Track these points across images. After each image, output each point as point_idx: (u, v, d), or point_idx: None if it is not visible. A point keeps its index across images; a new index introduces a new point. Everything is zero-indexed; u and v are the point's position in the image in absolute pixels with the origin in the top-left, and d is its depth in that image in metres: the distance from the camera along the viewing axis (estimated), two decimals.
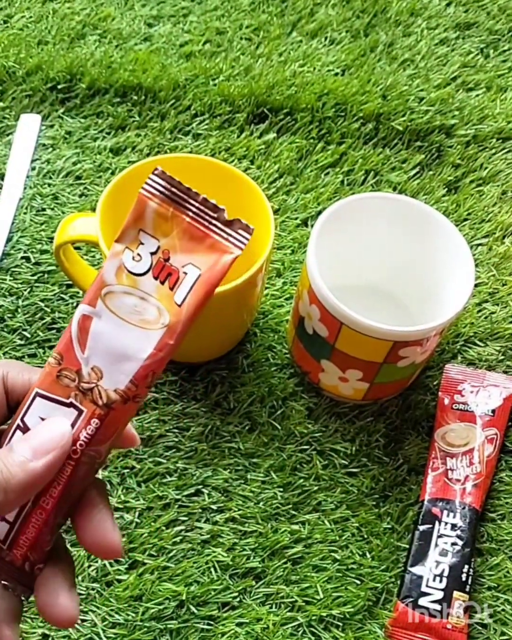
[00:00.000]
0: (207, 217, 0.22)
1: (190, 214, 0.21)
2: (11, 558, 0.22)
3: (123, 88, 0.56)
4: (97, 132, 0.54)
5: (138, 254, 0.21)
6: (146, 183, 0.22)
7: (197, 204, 0.22)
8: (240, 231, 0.22)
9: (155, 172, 0.22)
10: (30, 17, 0.60)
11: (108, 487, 0.40)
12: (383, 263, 0.45)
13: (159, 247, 0.21)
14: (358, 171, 0.54)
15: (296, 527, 0.40)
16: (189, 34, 0.60)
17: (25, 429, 0.22)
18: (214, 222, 0.22)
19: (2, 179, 0.51)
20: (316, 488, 0.41)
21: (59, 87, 0.55)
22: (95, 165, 0.52)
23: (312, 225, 0.50)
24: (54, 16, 0.60)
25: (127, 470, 0.40)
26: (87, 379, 0.21)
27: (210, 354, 0.45)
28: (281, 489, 0.41)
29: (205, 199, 0.21)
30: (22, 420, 0.22)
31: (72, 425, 0.22)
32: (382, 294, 0.46)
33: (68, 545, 0.24)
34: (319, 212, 0.51)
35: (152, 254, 0.21)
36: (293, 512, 0.40)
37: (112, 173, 0.52)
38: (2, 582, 0.22)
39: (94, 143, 0.53)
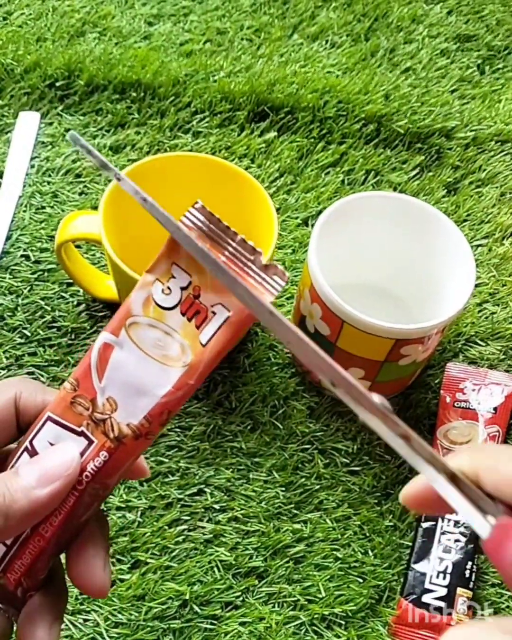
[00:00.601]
0: (243, 259, 0.21)
1: (227, 253, 0.21)
2: (4, 582, 0.22)
3: (122, 84, 0.56)
4: (97, 130, 0.54)
5: (168, 288, 0.21)
6: (185, 216, 0.21)
7: (234, 244, 0.21)
8: (275, 277, 0.20)
9: (196, 206, 0.21)
10: (30, 14, 0.59)
11: None
12: (384, 262, 0.45)
13: (190, 283, 0.20)
14: (359, 171, 0.54)
15: (298, 526, 0.40)
16: (190, 33, 0.60)
17: (33, 453, 0.22)
18: (249, 264, 0.21)
19: (1, 177, 0.51)
20: (317, 487, 0.41)
21: (58, 84, 0.55)
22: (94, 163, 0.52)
23: (312, 225, 0.50)
24: (53, 14, 0.60)
25: None
26: (101, 409, 0.21)
27: None
28: (283, 488, 0.41)
29: (243, 240, 0.21)
30: (30, 443, 0.22)
31: (81, 455, 0.21)
32: (383, 293, 0.47)
33: (66, 576, 0.23)
34: (320, 212, 0.51)
35: (183, 289, 0.20)
36: (295, 511, 0.40)
37: None
38: None
39: (93, 141, 0.53)
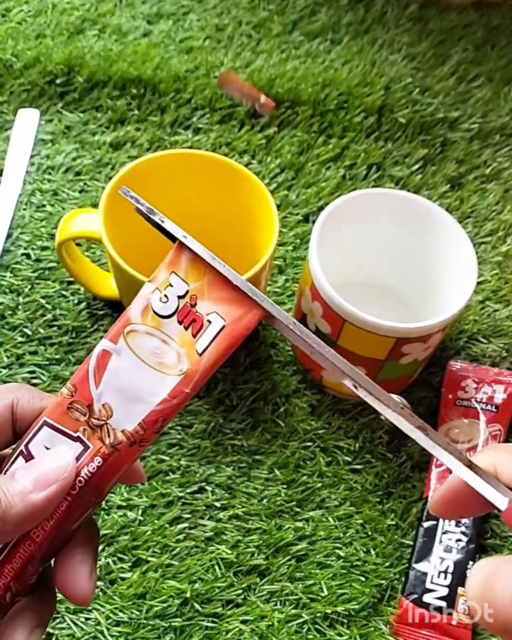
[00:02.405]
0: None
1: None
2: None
3: (122, 81, 0.55)
4: (97, 127, 0.54)
5: (165, 296, 0.21)
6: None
7: None
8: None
9: None
10: (29, 11, 0.59)
11: None
12: (385, 260, 0.45)
13: (187, 292, 0.21)
14: (360, 165, 0.53)
15: (299, 524, 0.40)
16: (189, 31, 0.60)
17: (28, 457, 0.22)
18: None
19: (1, 175, 0.51)
20: (319, 485, 0.41)
21: (57, 80, 0.55)
22: (94, 160, 0.52)
23: (313, 221, 0.50)
24: (53, 11, 0.59)
25: None
26: (97, 415, 0.21)
27: None
28: (285, 486, 0.41)
29: None
30: (26, 447, 0.22)
31: (76, 459, 0.21)
32: (385, 291, 0.46)
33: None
34: (321, 208, 0.50)
35: (180, 297, 0.21)
36: (297, 509, 0.40)
37: (112, 168, 0.52)
38: None
39: (93, 138, 0.53)
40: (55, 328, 0.45)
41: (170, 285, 0.21)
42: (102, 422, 0.21)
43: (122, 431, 0.21)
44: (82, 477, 0.21)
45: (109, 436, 0.21)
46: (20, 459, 0.22)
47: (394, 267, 0.45)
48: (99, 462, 0.21)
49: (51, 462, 0.21)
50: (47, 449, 0.21)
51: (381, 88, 0.57)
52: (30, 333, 0.44)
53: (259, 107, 0.51)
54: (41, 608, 0.23)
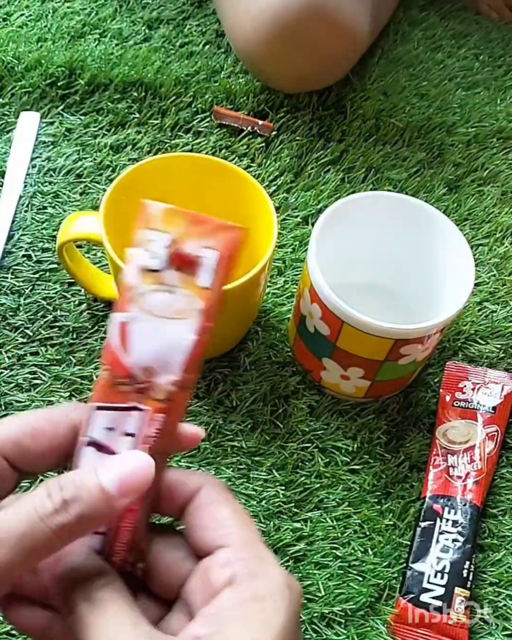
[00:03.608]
0: None
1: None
2: (113, 564, 0.23)
3: (123, 84, 0.56)
4: (97, 129, 0.54)
5: (152, 251, 0.22)
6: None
7: None
8: None
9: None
10: (30, 15, 0.59)
11: None
12: (384, 261, 0.45)
13: (171, 240, 0.22)
14: (359, 169, 0.54)
15: (298, 524, 0.40)
16: (189, 36, 0.60)
17: (99, 445, 0.22)
18: None
19: (2, 177, 0.51)
20: (317, 485, 0.41)
21: (59, 83, 0.55)
22: (95, 162, 0.52)
23: (312, 223, 0.51)
24: (53, 15, 0.60)
25: None
26: (140, 380, 0.22)
27: (213, 352, 0.45)
28: (283, 487, 0.41)
29: None
30: (90, 436, 0.22)
31: (139, 427, 0.22)
32: (383, 293, 0.47)
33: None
34: (320, 210, 0.51)
35: (167, 247, 0.22)
36: (295, 510, 0.40)
37: (113, 171, 0.52)
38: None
39: (94, 140, 0.53)
40: (56, 329, 0.45)
41: (152, 240, 0.22)
42: (148, 384, 0.22)
43: (170, 383, 0.22)
44: (153, 435, 0.22)
45: (159, 393, 0.22)
46: (91, 451, 0.22)
47: (393, 269, 0.45)
48: (161, 418, 0.22)
49: (133, 465, 0.21)
50: (111, 429, 0.22)
51: (379, 93, 0.57)
52: (31, 334, 0.44)
53: (260, 129, 0.53)
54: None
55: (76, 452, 0.23)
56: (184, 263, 0.22)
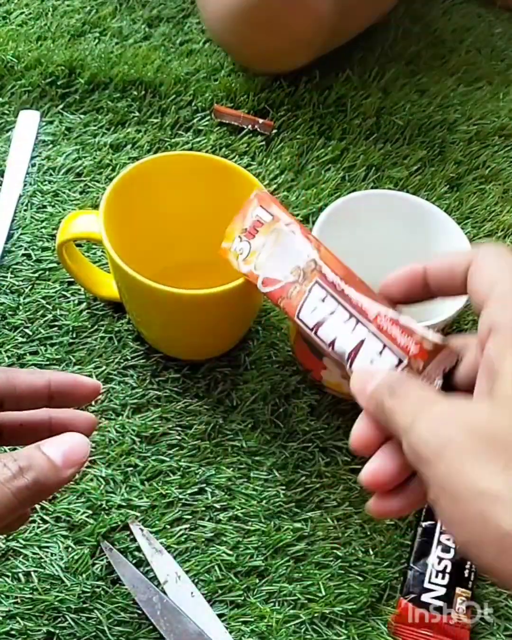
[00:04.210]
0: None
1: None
2: (416, 365, 0.26)
3: (123, 83, 0.55)
4: (97, 128, 0.54)
5: (238, 238, 0.35)
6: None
7: None
8: None
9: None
10: (30, 13, 0.59)
11: (111, 484, 0.40)
12: (384, 261, 0.45)
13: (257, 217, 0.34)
14: (359, 167, 0.54)
15: (298, 524, 0.40)
16: (189, 34, 0.60)
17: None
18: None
19: (2, 176, 0.51)
20: (318, 485, 0.41)
21: (59, 82, 0.55)
22: (95, 161, 0.52)
23: (313, 222, 0.50)
24: (53, 13, 0.59)
25: (131, 468, 0.40)
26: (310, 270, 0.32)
27: (213, 352, 0.45)
28: (284, 487, 0.41)
29: None
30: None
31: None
32: None
33: None
34: (321, 209, 0.51)
35: (257, 220, 0.34)
36: (296, 510, 0.40)
37: (113, 169, 0.52)
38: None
39: (94, 139, 0.53)
40: (55, 328, 0.45)
41: (241, 239, 0.35)
42: (311, 267, 0.32)
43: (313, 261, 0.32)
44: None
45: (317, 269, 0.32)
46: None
47: (393, 267, 0.45)
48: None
49: (71, 442, 0.25)
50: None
51: (380, 90, 0.57)
52: (30, 333, 0.44)
53: (260, 128, 0.52)
54: None
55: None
56: (252, 236, 0.35)
